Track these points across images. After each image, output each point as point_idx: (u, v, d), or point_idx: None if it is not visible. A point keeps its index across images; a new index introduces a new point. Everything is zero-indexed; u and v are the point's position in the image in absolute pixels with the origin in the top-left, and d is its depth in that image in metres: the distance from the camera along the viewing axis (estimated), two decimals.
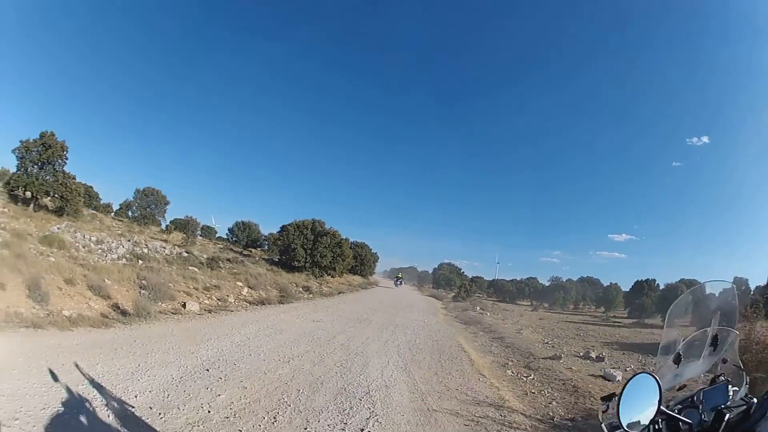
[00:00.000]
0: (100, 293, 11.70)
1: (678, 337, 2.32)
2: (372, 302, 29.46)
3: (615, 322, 34.99)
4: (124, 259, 18.62)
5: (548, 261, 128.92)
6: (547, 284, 65.72)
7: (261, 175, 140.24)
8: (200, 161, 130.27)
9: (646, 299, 38.16)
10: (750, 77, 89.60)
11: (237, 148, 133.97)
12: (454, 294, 55.58)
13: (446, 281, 79.82)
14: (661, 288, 39.20)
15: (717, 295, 2.48)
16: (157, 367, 7.35)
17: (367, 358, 10.69)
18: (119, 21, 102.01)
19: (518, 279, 71.74)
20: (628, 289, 45.68)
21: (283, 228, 37.64)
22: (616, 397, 2.04)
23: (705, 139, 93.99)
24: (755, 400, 1.90)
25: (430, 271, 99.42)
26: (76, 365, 6.64)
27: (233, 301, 17.56)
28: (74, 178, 25.59)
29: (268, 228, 53.41)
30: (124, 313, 11.16)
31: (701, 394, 2.09)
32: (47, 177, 24.27)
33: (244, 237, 45.10)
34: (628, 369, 12.46)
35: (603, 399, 2.27)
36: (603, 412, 2.09)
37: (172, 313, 12.95)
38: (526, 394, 9.21)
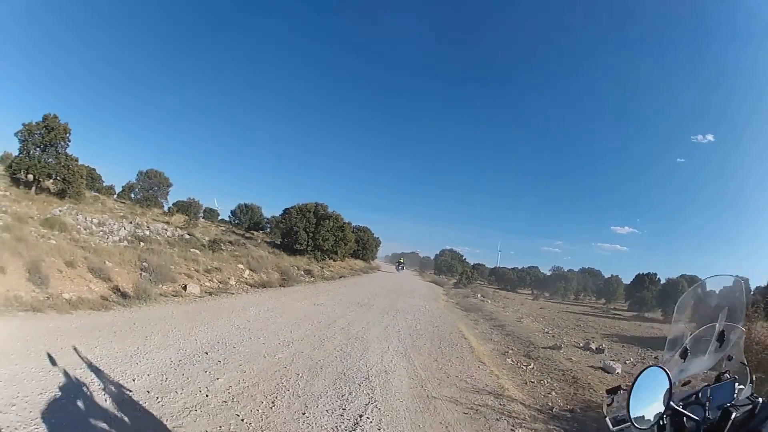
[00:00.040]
0: (100, 276, 11.64)
1: (685, 331, 2.24)
2: (373, 287, 29.47)
3: (615, 314, 35.02)
4: (125, 242, 18.65)
5: (550, 250, 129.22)
6: (548, 274, 65.81)
7: (265, 158, 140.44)
8: (204, 143, 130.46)
9: (647, 293, 38.12)
10: (757, 78, 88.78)
11: (241, 130, 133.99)
12: (455, 280, 55.56)
13: (448, 267, 79.92)
14: (662, 282, 39.09)
15: (725, 289, 2.40)
16: (156, 350, 7.31)
17: (367, 342, 10.67)
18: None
19: (520, 267, 71.79)
20: (629, 282, 45.68)
21: (286, 211, 37.65)
22: (622, 390, 1.97)
23: (710, 137, 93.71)
24: (760, 399, 1.83)
25: (432, 257, 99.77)
26: (75, 349, 6.59)
27: (234, 283, 17.54)
28: (77, 161, 25.65)
29: (271, 211, 53.58)
30: (124, 295, 11.11)
31: (708, 391, 2.01)
32: (49, 159, 24.30)
33: (247, 220, 45.15)
34: (627, 362, 12.44)
35: (608, 392, 2.20)
36: (608, 405, 2.02)
37: (173, 295, 12.92)
38: (526, 383, 9.17)
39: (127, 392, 5.41)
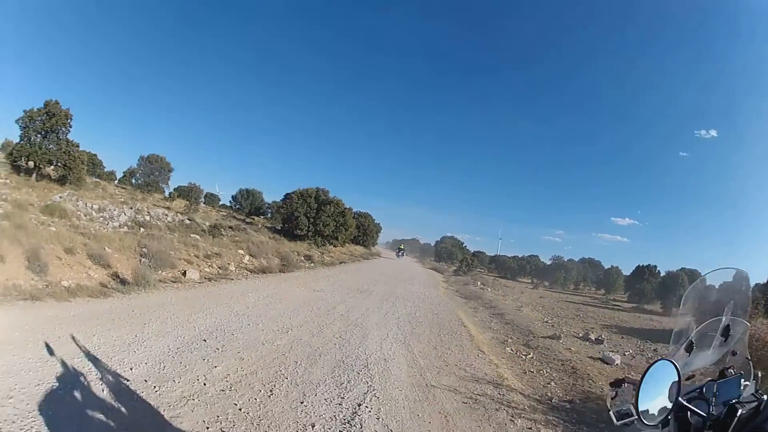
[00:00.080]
0: (99, 262, 11.57)
1: (691, 324, 2.18)
2: (373, 273, 29.51)
3: (614, 305, 35.05)
4: (125, 227, 18.59)
5: (550, 239, 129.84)
6: (548, 263, 65.95)
7: (267, 143, 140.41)
8: (206, 127, 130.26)
9: (647, 285, 38.03)
10: (762, 76, 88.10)
11: (244, 115, 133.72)
12: (455, 268, 55.58)
13: (448, 254, 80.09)
14: (662, 275, 38.96)
15: (731, 282, 2.33)
16: (154, 338, 7.26)
17: (366, 330, 10.65)
18: None
19: (520, 256, 72.00)
20: (628, 273, 45.56)
21: (287, 196, 37.49)
22: (626, 383, 1.91)
23: (713, 132, 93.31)
24: (765, 396, 1.80)
25: (432, 244, 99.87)
26: (73, 337, 6.53)
27: (234, 269, 17.51)
28: (77, 146, 25.57)
29: (272, 196, 53.57)
30: (123, 282, 11.04)
31: (714, 386, 1.96)
32: (50, 146, 24.21)
33: (248, 205, 45.14)
34: (626, 353, 12.41)
35: (612, 385, 2.15)
36: (612, 398, 1.96)
37: (172, 281, 12.87)
38: (525, 372, 9.15)
39: (125, 381, 5.36)
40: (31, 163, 24.19)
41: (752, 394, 1.95)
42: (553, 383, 8.56)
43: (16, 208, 14.29)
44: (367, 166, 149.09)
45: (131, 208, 22.56)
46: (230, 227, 27.21)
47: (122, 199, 26.28)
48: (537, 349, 11.49)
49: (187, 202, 34.45)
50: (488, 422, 6.04)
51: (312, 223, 35.30)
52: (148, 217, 22.19)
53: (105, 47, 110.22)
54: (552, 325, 16.89)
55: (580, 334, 14.90)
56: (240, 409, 5.14)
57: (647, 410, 1.74)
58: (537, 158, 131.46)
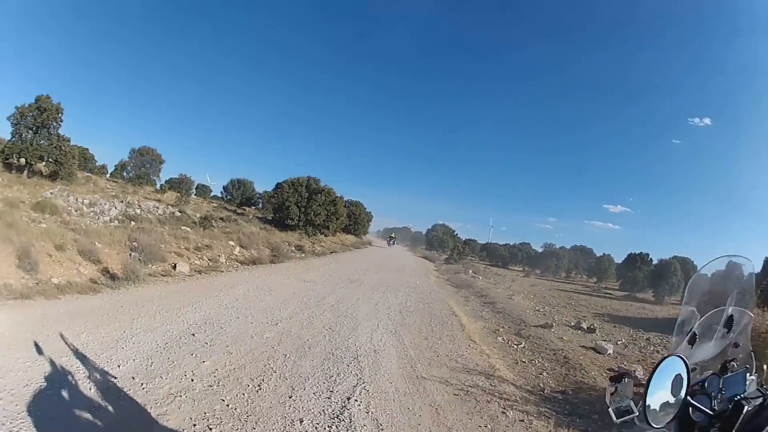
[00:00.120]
0: (90, 258, 11.41)
1: (695, 314, 2.10)
2: (364, 262, 29.50)
3: (606, 293, 35.18)
4: (116, 221, 18.40)
5: (542, 227, 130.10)
6: (540, 250, 66.14)
7: (258, 132, 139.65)
8: (197, 118, 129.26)
9: (639, 273, 37.94)
10: (757, 67, 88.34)
11: (235, 104, 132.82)
12: (446, 256, 55.64)
13: (439, 243, 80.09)
14: (654, 263, 38.99)
15: (734, 271, 2.27)
16: (142, 333, 7.16)
17: (356, 320, 10.61)
18: None
19: (511, 244, 72.16)
20: (620, 261, 45.49)
21: (278, 185, 37.26)
22: (626, 379, 1.83)
23: (707, 120, 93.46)
24: None
25: (424, 232, 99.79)
26: (61, 336, 6.41)
27: (224, 261, 17.38)
28: (69, 141, 25.51)
29: (264, 186, 53.30)
30: (113, 277, 10.90)
31: (718, 380, 1.90)
32: (42, 141, 24.13)
33: (239, 195, 44.90)
34: (619, 342, 12.45)
35: (612, 380, 2.06)
36: (611, 394, 1.88)
37: (162, 275, 12.72)
38: (517, 362, 9.15)
39: (112, 379, 5.29)
40: (22, 160, 23.97)
41: (757, 389, 1.91)
42: (545, 373, 8.56)
43: (7, 206, 14.07)
44: (359, 155, 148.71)
45: (122, 201, 22.38)
46: (221, 218, 27.03)
47: (113, 193, 26.07)
48: (529, 338, 11.50)
49: (178, 194, 34.19)
50: (480, 414, 6.02)
51: (303, 213, 35.10)
52: (138, 211, 21.99)
53: (93, 37, 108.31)
54: (544, 314, 16.94)
55: (572, 323, 14.94)
56: (227, 405, 5.07)
57: (650, 405, 1.67)
58: (529, 145, 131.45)
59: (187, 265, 14.36)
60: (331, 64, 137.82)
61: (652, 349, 12.05)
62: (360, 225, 57.71)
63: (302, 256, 25.65)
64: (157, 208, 24.59)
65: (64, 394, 4.78)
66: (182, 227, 20.52)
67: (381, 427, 5.17)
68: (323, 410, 5.34)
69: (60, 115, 24.56)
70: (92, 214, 18.29)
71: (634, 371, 8.38)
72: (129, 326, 7.45)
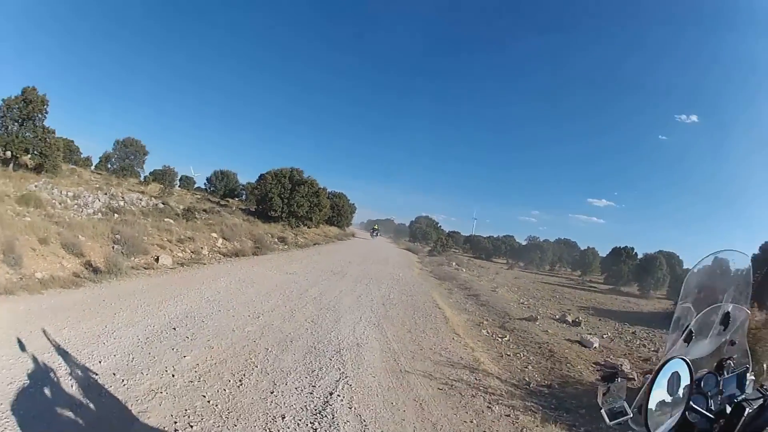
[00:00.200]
0: (73, 251, 11.15)
1: (690, 311, 2.05)
2: (347, 254, 29.39)
3: (591, 286, 35.41)
4: (99, 214, 18.05)
5: (526, 220, 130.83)
6: (523, 243, 66.38)
7: (242, 122, 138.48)
8: (182, 110, 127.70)
9: (624, 266, 38.21)
10: (749, 65, 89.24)
11: (219, 95, 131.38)
12: (430, 248, 55.71)
13: (423, 234, 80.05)
14: (639, 257, 39.27)
15: (731, 266, 2.23)
16: (124, 328, 7.01)
17: (339, 313, 10.55)
18: None
19: (495, 236, 72.25)
20: (605, 255, 45.75)
21: (262, 177, 36.95)
22: (619, 378, 1.78)
23: (694, 117, 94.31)
24: None
25: (407, 224, 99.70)
26: (44, 331, 6.25)
27: (207, 253, 17.17)
28: (54, 133, 24.96)
29: (247, 177, 52.75)
30: (96, 270, 10.67)
31: (714, 379, 1.86)
32: (27, 134, 23.57)
33: (222, 187, 44.40)
34: (604, 336, 12.58)
35: (603, 379, 2.00)
36: (603, 394, 1.83)
37: (145, 268, 12.49)
38: (502, 356, 9.18)
39: (93, 376, 5.18)
40: (8, 153, 23.51)
41: (757, 390, 1.87)
42: (530, 367, 8.59)
43: None
44: (342, 147, 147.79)
45: (106, 194, 21.98)
46: (204, 210, 26.70)
47: (97, 185, 25.57)
48: (513, 331, 11.55)
49: (162, 186, 33.76)
50: (465, 409, 6.01)
51: (286, 204, 34.79)
52: (122, 203, 21.63)
53: (93, 37, 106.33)
54: (528, 307, 17.06)
55: (557, 316, 15.06)
56: (209, 402, 4.99)
57: (649, 407, 1.62)
58: (513, 138, 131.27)
59: (170, 257, 14.15)
60: (331, 64, 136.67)
61: (638, 342, 12.19)
62: (343, 217, 57.43)
63: (285, 248, 25.45)
64: (141, 200, 24.22)
65: (47, 391, 4.68)
66: (165, 219, 20.22)
67: (364, 423, 5.13)
68: (305, 406, 5.28)
69: (45, 106, 24.14)
70: (76, 206, 17.94)
71: (621, 365, 8.45)
72: (111, 321, 7.29)
